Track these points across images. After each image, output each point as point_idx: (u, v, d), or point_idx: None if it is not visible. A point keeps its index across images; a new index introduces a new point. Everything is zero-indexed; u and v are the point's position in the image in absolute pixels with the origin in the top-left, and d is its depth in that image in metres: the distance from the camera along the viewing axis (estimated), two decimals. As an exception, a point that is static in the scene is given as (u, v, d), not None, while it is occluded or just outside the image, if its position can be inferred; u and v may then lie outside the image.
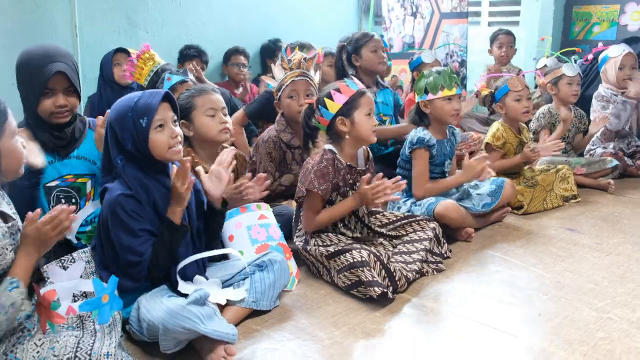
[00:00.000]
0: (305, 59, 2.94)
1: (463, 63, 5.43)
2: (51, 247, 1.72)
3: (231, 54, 4.82)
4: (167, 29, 4.69)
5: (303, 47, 3.90)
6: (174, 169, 2.04)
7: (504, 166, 3.34)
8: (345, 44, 3.83)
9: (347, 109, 2.44)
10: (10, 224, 1.68)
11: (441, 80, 2.88)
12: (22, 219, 1.72)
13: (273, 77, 3.02)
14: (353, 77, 2.58)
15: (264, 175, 2.47)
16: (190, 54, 4.60)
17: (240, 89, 4.80)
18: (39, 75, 2.15)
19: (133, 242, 1.93)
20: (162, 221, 1.97)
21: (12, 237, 1.67)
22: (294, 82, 2.89)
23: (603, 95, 4.08)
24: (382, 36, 5.43)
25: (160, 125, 1.97)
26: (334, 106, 2.43)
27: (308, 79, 2.93)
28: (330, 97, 2.45)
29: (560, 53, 4.50)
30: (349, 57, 3.78)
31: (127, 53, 3.65)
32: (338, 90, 2.46)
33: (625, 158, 3.94)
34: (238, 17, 5.17)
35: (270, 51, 5.22)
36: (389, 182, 2.42)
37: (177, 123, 2.04)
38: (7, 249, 1.63)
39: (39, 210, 1.67)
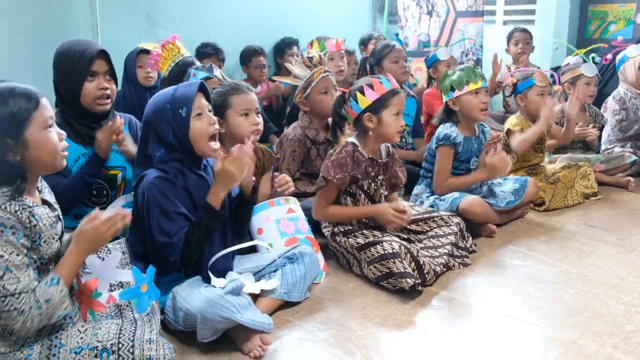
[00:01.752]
0: (323, 54, 2.99)
1: (479, 61, 5.44)
2: (102, 247, 1.73)
3: (251, 56, 4.82)
4: (185, 27, 4.72)
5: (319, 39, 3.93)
6: (220, 154, 2.05)
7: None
8: (368, 56, 3.88)
9: (376, 107, 2.46)
10: (55, 213, 1.71)
11: (466, 75, 2.91)
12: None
13: (294, 76, 3.03)
14: (388, 74, 2.59)
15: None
16: (207, 52, 4.62)
17: (259, 88, 4.83)
18: (81, 58, 2.23)
19: (166, 224, 1.95)
20: (203, 206, 1.98)
21: (55, 227, 1.70)
22: (324, 78, 2.92)
23: (621, 97, 4.07)
24: (397, 34, 5.48)
25: (199, 114, 2.01)
26: (364, 101, 2.46)
27: (331, 74, 2.99)
28: (362, 91, 2.47)
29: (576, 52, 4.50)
30: (372, 69, 3.83)
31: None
32: (371, 86, 2.47)
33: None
34: (253, 15, 5.19)
35: (279, 50, 5.25)
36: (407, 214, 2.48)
37: (212, 111, 2.08)
38: (53, 238, 1.66)
39: (97, 209, 1.68)
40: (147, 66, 3.55)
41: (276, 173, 2.61)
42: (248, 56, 4.85)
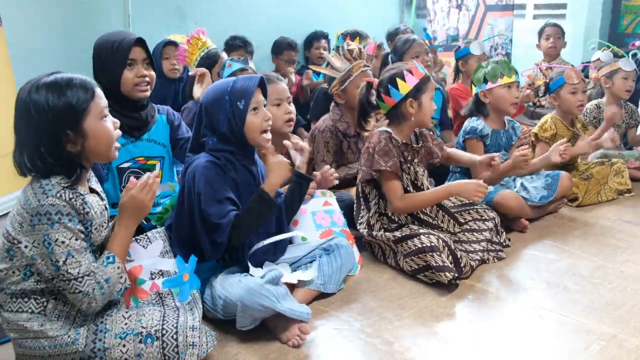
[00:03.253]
0: (362, 47, 2.97)
1: (508, 56, 5.40)
2: (146, 214, 1.76)
3: (284, 49, 4.83)
4: (215, 20, 4.74)
5: (360, 36, 3.90)
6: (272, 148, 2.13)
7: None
8: (390, 51, 3.86)
9: (417, 91, 2.45)
10: (104, 202, 1.74)
11: (500, 68, 2.89)
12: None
13: (331, 68, 3.03)
14: (420, 61, 2.59)
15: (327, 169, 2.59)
16: (236, 45, 4.63)
17: (286, 80, 4.82)
18: (120, 47, 2.28)
19: (216, 205, 1.98)
20: (258, 192, 2.03)
21: (104, 214, 1.73)
22: (363, 72, 2.92)
23: None
24: (425, 29, 5.45)
25: (255, 108, 2.05)
26: (405, 87, 2.44)
27: (370, 69, 2.97)
28: (402, 77, 2.44)
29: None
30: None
31: (176, 46, 3.68)
32: (410, 71, 2.46)
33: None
34: (283, 7, 5.21)
35: (307, 42, 5.27)
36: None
37: (266, 106, 2.12)
38: (102, 225, 1.69)
39: (133, 179, 1.72)
40: (173, 58, 3.58)
41: (315, 173, 2.63)
42: (281, 48, 4.87)
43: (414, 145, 2.57)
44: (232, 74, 3.02)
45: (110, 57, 2.28)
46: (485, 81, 2.92)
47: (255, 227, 2.04)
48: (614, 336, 1.94)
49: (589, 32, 5.31)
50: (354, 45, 2.99)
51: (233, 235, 1.99)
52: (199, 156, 2.06)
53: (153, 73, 2.37)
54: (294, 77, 4.78)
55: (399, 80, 2.45)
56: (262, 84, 2.11)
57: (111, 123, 1.68)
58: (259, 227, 2.05)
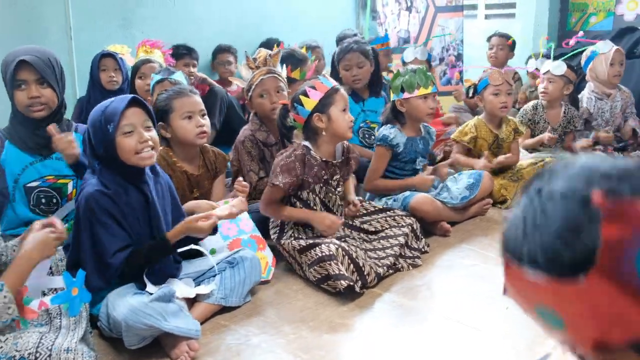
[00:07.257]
0: (270, 55, 2.94)
1: (459, 56, 5.41)
2: (51, 252, 1.72)
3: (217, 52, 4.87)
4: (162, 29, 4.71)
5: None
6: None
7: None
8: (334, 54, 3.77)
9: (323, 105, 2.45)
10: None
11: (417, 79, 2.86)
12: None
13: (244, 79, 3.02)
14: (326, 75, 2.58)
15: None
16: (180, 53, 4.57)
17: (235, 87, 4.82)
18: (9, 68, 2.25)
19: (108, 240, 1.96)
20: (161, 237, 2.02)
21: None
22: (262, 80, 2.87)
23: (585, 108, 4.02)
24: (385, 35, 5.39)
25: (130, 131, 1.97)
26: (309, 103, 2.44)
27: (276, 75, 2.91)
28: (305, 94, 2.46)
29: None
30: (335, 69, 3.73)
31: (114, 57, 3.66)
32: (313, 87, 2.47)
33: (616, 153, 3.90)
34: (234, 14, 5.18)
35: (213, 55, 5.09)
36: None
37: (150, 127, 2.03)
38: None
39: (53, 218, 1.71)
40: (111, 70, 3.56)
41: (239, 179, 2.62)
42: (215, 53, 4.89)
43: (333, 162, 2.56)
44: (152, 87, 3.02)
45: (4, 76, 2.28)
46: (403, 90, 2.91)
47: (144, 266, 2.02)
48: (510, 345, 1.95)
49: (538, 30, 5.34)
50: (263, 51, 2.97)
51: (124, 271, 1.97)
52: (90, 182, 1.99)
53: (50, 93, 2.31)
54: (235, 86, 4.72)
55: (303, 98, 2.45)
56: (140, 103, 2.03)
57: None
58: (148, 265, 2.03)
